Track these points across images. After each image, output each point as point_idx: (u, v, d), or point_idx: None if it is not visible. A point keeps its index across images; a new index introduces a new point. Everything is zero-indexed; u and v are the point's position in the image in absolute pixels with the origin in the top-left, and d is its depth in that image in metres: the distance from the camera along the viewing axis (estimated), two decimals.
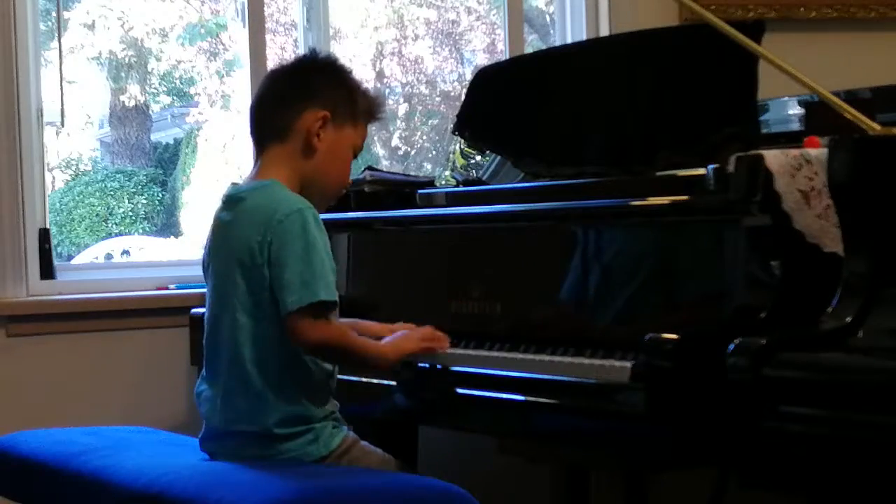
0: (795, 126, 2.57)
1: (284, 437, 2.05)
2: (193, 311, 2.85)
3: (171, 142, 5.54)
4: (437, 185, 2.93)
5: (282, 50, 4.46)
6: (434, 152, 5.10)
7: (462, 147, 2.86)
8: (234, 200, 2.12)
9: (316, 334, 2.02)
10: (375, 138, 5.18)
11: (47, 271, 3.21)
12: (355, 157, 2.22)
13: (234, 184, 2.19)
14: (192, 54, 4.98)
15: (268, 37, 3.41)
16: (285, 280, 2.00)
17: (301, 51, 3.29)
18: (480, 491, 2.00)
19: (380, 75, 5.05)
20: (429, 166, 5.14)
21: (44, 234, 3.22)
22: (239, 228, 2.08)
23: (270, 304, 2.04)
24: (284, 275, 2.00)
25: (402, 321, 2.31)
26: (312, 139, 2.13)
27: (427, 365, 2.24)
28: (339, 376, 2.22)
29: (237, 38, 4.37)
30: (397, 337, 2.20)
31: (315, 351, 2.06)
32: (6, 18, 3.12)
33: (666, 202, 2.08)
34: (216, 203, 2.20)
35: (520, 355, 2.13)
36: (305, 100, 2.14)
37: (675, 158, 2.20)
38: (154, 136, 5.51)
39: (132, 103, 5.27)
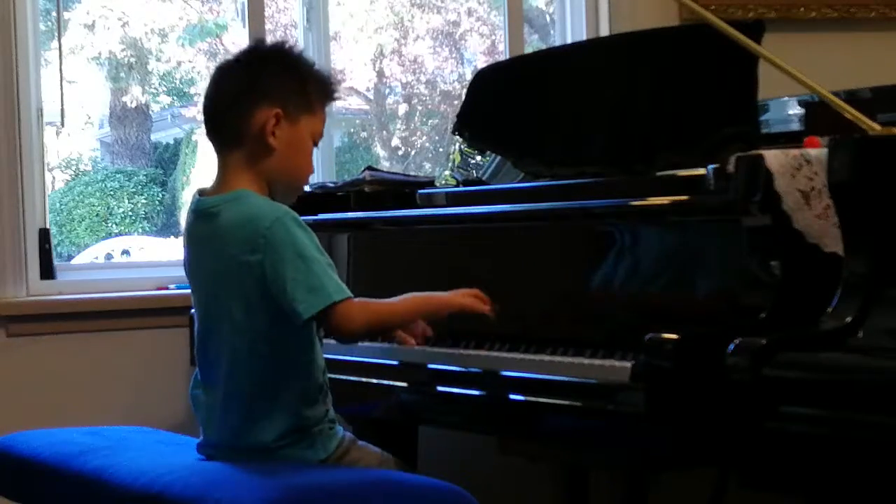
0: (795, 126, 2.57)
1: (282, 447, 2.05)
2: (193, 311, 2.85)
3: (171, 142, 5.54)
4: (437, 185, 2.93)
5: None
6: (434, 152, 5.10)
7: (462, 147, 2.86)
8: (206, 215, 2.07)
9: (353, 323, 2.00)
10: (376, 138, 5.18)
11: (47, 271, 3.21)
12: (316, 143, 2.15)
13: (199, 192, 2.12)
14: (192, 55, 4.98)
15: (268, 37, 3.41)
16: (289, 292, 1.96)
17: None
18: (480, 491, 2.00)
19: (380, 75, 5.05)
20: (429, 166, 5.14)
21: (44, 234, 3.22)
22: (219, 245, 2.04)
23: (262, 321, 2.01)
24: (286, 287, 1.96)
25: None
26: (268, 139, 2.07)
27: (427, 365, 2.24)
28: (340, 376, 2.22)
29: (237, 39, 4.37)
30: (448, 292, 2.17)
31: (361, 336, 2.06)
32: (6, 18, 3.12)
33: (666, 202, 2.08)
34: (185, 214, 2.14)
35: (520, 355, 2.13)
36: (255, 99, 2.07)
37: (675, 158, 2.20)
38: (154, 136, 5.50)
39: (132, 103, 5.27)
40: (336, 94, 2.20)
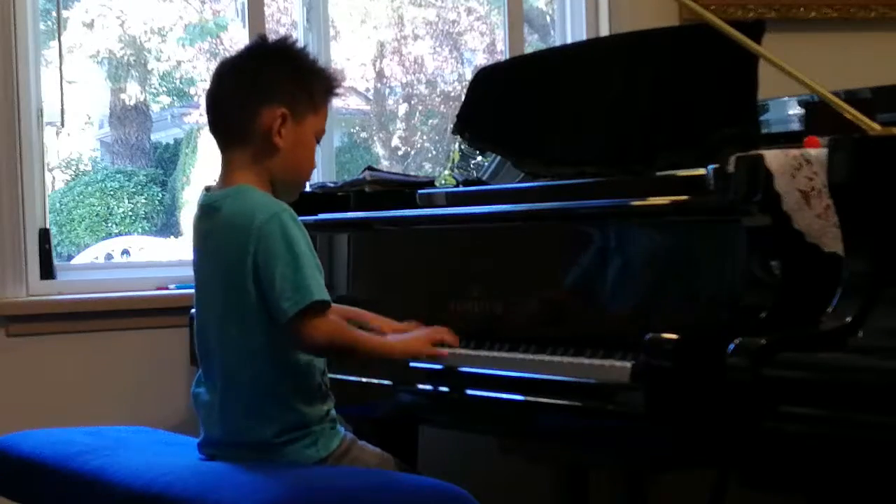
0: (795, 126, 2.57)
1: (283, 444, 2.05)
2: (193, 310, 2.85)
3: (171, 142, 5.53)
4: (437, 185, 2.93)
5: None
6: (434, 152, 5.09)
7: (462, 147, 2.86)
8: (210, 210, 2.08)
9: (319, 334, 2.00)
10: (376, 138, 5.17)
11: (47, 271, 3.21)
12: (318, 140, 2.15)
13: (206, 189, 2.14)
14: (192, 54, 4.98)
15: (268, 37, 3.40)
16: (277, 287, 1.97)
17: None
18: (480, 491, 2.00)
19: (380, 75, 5.05)
20: (429, 166, 5.13)
21: (44, 234, 3.22)
22: (218, 240, 2.06)
23: (257, 315, 2.01)
24: (275, 282, 1.97)
25: (404, 322, 2.31)
26: (274, 138, 2.07)
27: (427, 365, 2.24)
28: (340, 376, 2.21)
29: (237, 39, 4.37)
30: (407, 336, 2.20)
31: (321, 350, 2.05)
32: (6, 18, 3.12)
33: (666, 202, 2.08)
34: (186, 213, 2.18)
35: (520, 355, 2.13)
36: (261, 99, 2.07)
37: (675, 158, 2.20)
38: (154, 136, 5.50)
39: (132, 103, 5.27)
40: (339, 91, 2.20)
